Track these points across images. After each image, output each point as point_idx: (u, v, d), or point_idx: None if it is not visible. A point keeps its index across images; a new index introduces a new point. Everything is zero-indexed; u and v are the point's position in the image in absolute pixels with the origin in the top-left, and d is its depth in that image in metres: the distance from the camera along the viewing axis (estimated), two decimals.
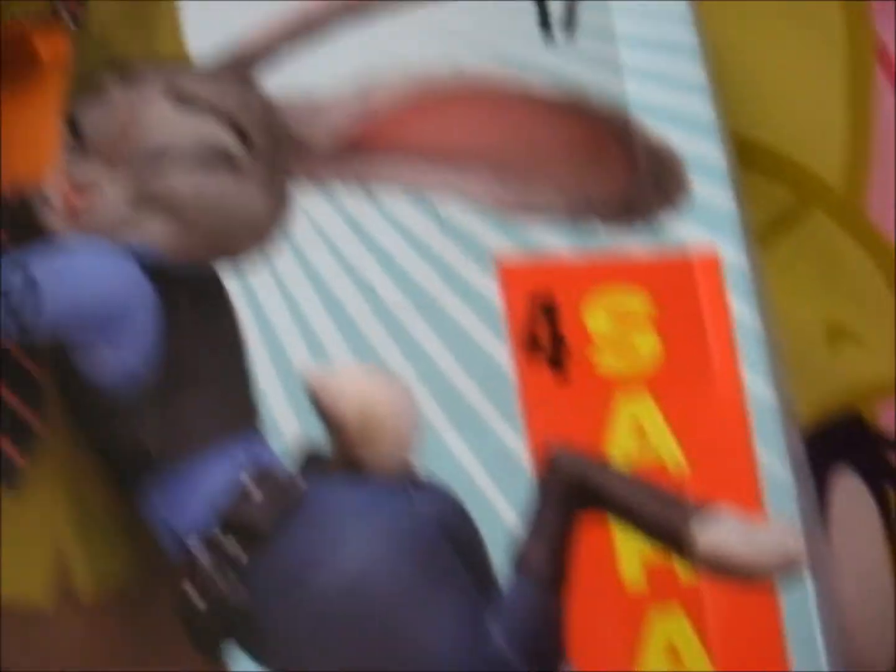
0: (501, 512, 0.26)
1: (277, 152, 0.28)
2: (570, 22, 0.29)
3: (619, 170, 0.28)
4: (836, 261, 0.31)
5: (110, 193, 0.27)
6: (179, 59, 0.28)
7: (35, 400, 0.28)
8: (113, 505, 0.27)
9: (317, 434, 0.26)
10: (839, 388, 0.30)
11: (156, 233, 0.27)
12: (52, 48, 0.29)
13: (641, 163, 0.28)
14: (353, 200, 0.28)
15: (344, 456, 0.26)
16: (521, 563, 0.26)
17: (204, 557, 0.25)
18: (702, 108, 0.28)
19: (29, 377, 0.28)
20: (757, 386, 0.26)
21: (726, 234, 0.27)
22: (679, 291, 0.27)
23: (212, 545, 0.25)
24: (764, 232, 0.31)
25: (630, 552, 0.26)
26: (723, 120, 0.30)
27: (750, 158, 0.32)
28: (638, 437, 0.26)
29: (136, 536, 0.27)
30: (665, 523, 0.25)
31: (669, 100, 0.28)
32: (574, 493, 0.26)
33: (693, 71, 0.29)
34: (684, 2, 0.29)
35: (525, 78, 0.28)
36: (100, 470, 0.27)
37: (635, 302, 0.27)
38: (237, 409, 0.27)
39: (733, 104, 0.32)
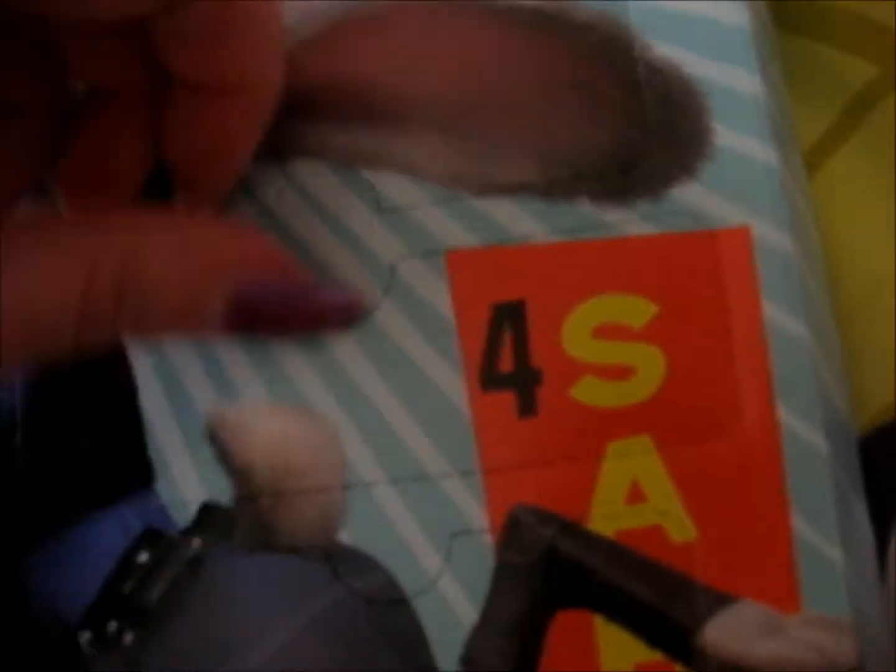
0: (448, 593, 0.20)
1: None
2: None
3: (615, 120, 0.20)
4: None
5: None
6: None
7: None
8: None
9: (223, 492, 0.21)
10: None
11: None
12: None
13: (647, 108, 0.20)
14: (267, 185, 0.21)
15: (252, 517, 0.21)
16: (471, 659, 0.20)
17: (85, 640, 0.21)
18: (737, 15, 0.21)
19: None
20: (797, 425, 0.19)
21: (766, 210, 0.20)
22: (697, 296, 0.20)
23: (94, 625, 0.21)
24: (838, 116, 0.24)
25: (616, 652, 0.19)
26: (767, 37, 0.22)
27: (822, 27, 0.24)
28: (632, 495, 0.20)
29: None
30: (665, 619, 0.19)
31: (691, 6, 0.21)
32: (542, 571, 0.20)
33: None
34: None
35: None
36: None
37: (634, 311, 0.20)
38: (129, 463, 0.21)
39: None
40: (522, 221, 0.21)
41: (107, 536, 0.21)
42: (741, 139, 0.20)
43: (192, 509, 0.21)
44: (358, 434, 0.21)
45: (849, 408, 0.22)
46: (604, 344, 0.20)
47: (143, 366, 0.22)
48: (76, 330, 0.16)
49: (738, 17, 0.21)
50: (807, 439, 0.19)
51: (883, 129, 0.24)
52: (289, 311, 0.18)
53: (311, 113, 0.22)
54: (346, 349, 0.21)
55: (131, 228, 0.17)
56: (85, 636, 0.21)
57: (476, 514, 0.20)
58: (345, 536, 0.20)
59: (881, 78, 0.24)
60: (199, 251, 0.17)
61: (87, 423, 0.22)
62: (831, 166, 0.24)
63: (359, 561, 0.20)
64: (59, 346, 0.17)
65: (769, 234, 0.20)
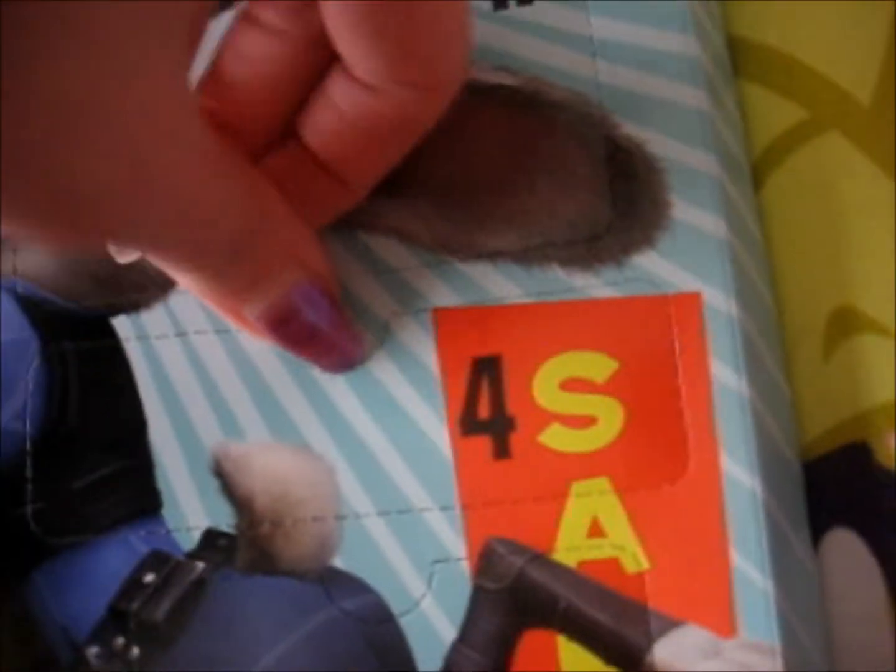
0: (431, 616, 0.22)
1: None
2: None
3: (583, 193, 0.23)
4: (847, 186, 0.25)
5: None
6: None
7: None
8: None
9: (225, 520, 0.23)
10: (843, 405, 0.24)
11: (32, 262, 0.24)
12: None
13: (613, 183, 0.23)
14: None
15: (253, 543, 0.23)
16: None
17: (93, 654, 0.23)
18: (695, 99, 0.23)
19: None
20: (737, 472, 0.22)
21: (716, 278, 0.22)
22: (652, 354, 0.22)
23: (102, 640, 0.23)
24: (765, 151, 0.26)
25: (577, 667, 0.22)
26: (726, 117, 0.24)
27: (758, 67, 0.26)
28: (592, 530, 0.22)
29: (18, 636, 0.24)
30: (619, 639, 0.22)
31: (653, 88, 0.23)
32: (512, 595, 0.22)
33: (685, 43, 0.23)
34: None
35: (470, 69, 0.23)
36: None
37: (597, 367, 0.23)
38: (137, 490, 0.24)
39: None
40: (501, 284, 0.23)
41: (114, 559, 0.23)
42: (695, 213, 0.23)
43: (197, 535, 0.23)
44: (351, 470, 0.23)
45: (793, 448, 0.24)
46: (569, 395, 0.23)
47: (152, 401, 0.24)
48: None
49: (697, 102, 0.23)
50: (745, 485, 0.22)
51: (804, 171, 0.26)
52: (320, 328, 0.20)
53: None
54: (342, 394, 0.23)
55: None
56: (93, 650, 0.23)
57: (455, 544, 0.22)
58: (338, 562, 0.23)
59: (808, 122, 0.26)
60: (281, 230, 0.20)
61: (96, 454, 0.24)
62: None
63: (351, 584, 0.23)
64: None
65: (717, 300, 0.22)
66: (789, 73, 0.26)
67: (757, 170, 0.26)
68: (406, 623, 0.22)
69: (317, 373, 0.23)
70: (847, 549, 0.24)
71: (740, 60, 0.27)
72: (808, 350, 0.25)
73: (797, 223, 0.25)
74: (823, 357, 0.25)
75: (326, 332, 0.21)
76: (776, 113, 0.26)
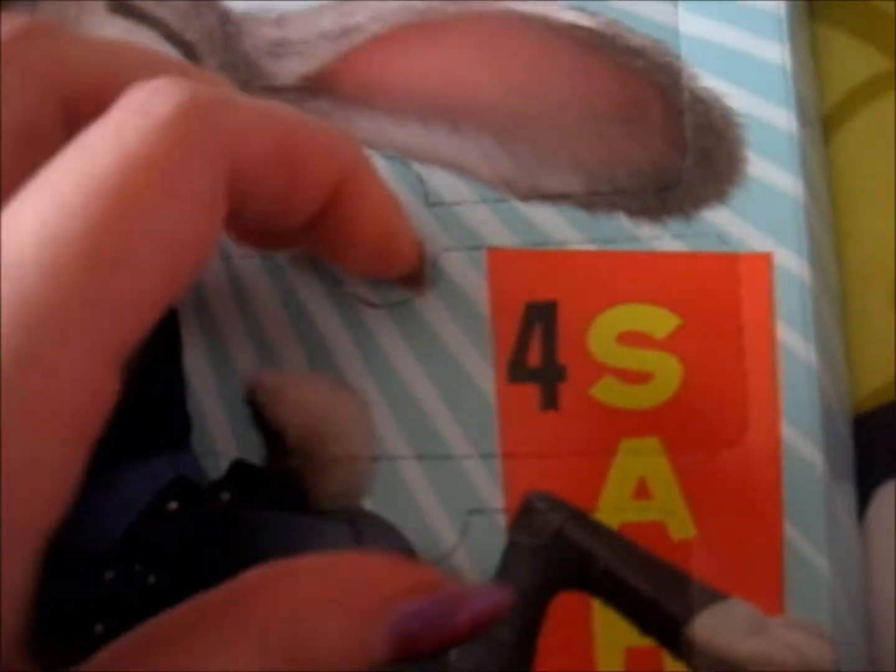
0: (462, 567, 0.21)
1: (231, 77, 0.23)
2: None
3: (656, 142, 0.22)
4: None
5: None
6: None
7: None
8: None
9: (255, 451, 0.22)
10: None
11: None
12: None
13: (688, 134, 0.22)
14: None
15: (281, 477, 0.22)
16: None
17: (109, 578, 0.22)
18: (779, 56, 0.22)
19: None
20: (799, 442, 0.21)
21: (789, 239, 0.21)
22: (717, 313, 0.21)
23: (119, 564, 0.22)
24: (843, 99, 0.24)
25: (610, 635, 0.21)
26: (807, 78, 0.23)
27: (839, 13, 0.25)
28: (639, 491, 0.21)
29: None
30: (659, 609, 0.21)
31: (735, 41, 0.22)
32: (549, 554, 0.21)
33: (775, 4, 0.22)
34: None
35: (546, 5, 0.22)
36: None
37: (658, 322, 0.21)
38: (166, 413, 0.23)
39: None
40: (562, 228, 0.22)
41: (138, 483, 0.22)
42: (772, 171, 0.22)
43: (224, 464, 0.22)
44: (389, 410, 0.22)
45: (847, 422, 0.23)
46: (626, 349, 0.21)
47: (188, 323, 0.23)
48: None
49: (780, 57, 0.22)
50: (806, 457, 0.20)
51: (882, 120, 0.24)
52: (447, 629, 0.18)
53: (371, 106, 0.23)
54: (385, 330, 0.22)
55: (286, 587, 0.17)
56: (109, 574, 0.22)
57: (493, 495, 0.21)
58: (369, 504, 0.22)
59: (891, 72, 0.24)
60: (356, 597, 0.17)
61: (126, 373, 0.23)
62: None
63: (380, 527, 0.22)
64: None
65: (789, 262, 0.21)
66: (872, 20, 0.25)
67: (832, 117, 0.25)
68: None
69: (361, 308, 0.22)
70: None
71: (820, 4, 0.25)
72: (873, 302, 0.23)
73: (870, 172, 0.24)
74: (888, 306, 0.23)
75: (459, 621, 0.18)
76: (857, 60, 0.25)
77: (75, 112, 0.17)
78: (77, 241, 0.14)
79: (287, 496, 0.22)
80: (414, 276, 0.22)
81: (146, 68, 0.18)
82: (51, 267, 0.14)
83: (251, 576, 0.17)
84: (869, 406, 0.23)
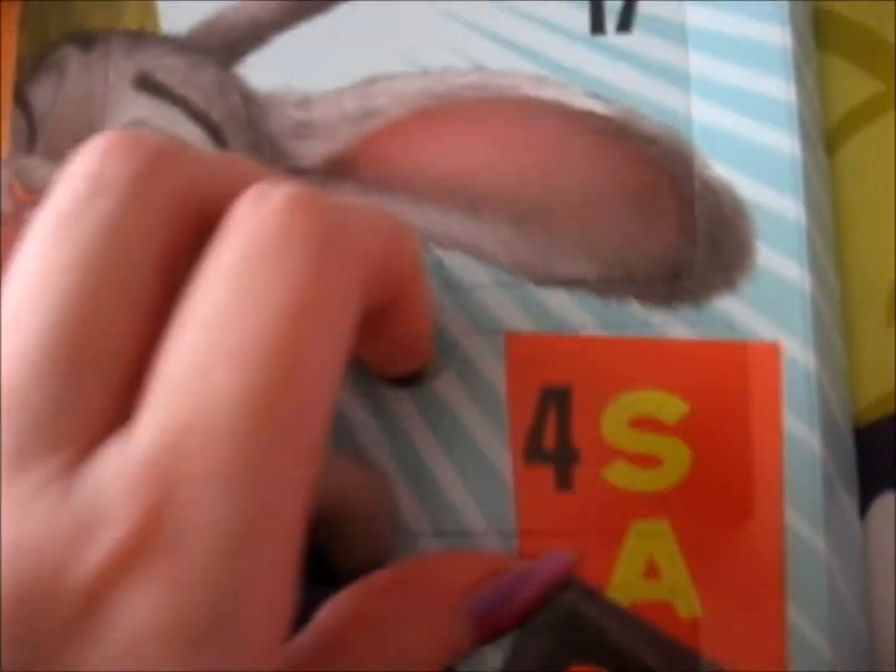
0: None
1: (256, 158, 0.24)
2: (628, 16, 0.24)
3: (668, 229, 0.23)
4: None
5: None
6: (150, 36, 0.24)
7: None
8: None
9: None
10: None
11: None
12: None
13: (699, 222, 0.23)
14: None
15: (306, 550, 0.23)
16: None
17: None
18: (789, 146, 0.23)
19: None
20: (801, 528, 0.22)
21: (797, 329, 0.22)
22: (725, 400, 0.22)
23: None
24: (839, 121, 0.25)
25: None
26: (819, 161, 0.24)
27: (836, 39, 0.26)
28: (648, 570, 0.22)
29: None
30: None
31: (746, 130, 0.23)
32: (563, 629, 0.22)
33: (783, 89, 0.23)
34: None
35: (562, 92, 0.23)
36: None
37: (668, 408, 0.22)
38: None
39: None
40: (576, 313, 0.23)
41: None
42: (780, 261, 0.23)
43: None
44: (410, 488, 0.23)
45: (853, 502, 0.24)
46: (638, 434, 0.22)
47: None
48: None
49: (791, 149, 0.23)
50: (808, 541, 0.21)
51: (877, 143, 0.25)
52: (520, 603, 0.20)
53: (392, 189, 0.24)
54: (406, 412, 0.23)
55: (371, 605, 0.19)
56: None
57: None
58: None
59: (884, 94, 0.25)
60: (437, 597, 0.20)
61: None
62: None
63: None
64: None
65: (796, 352, 0.22)
66: (867, 45, 0.25)
67: (829, 139, 0.26)
68: None
69: (381, 387, 0.23)
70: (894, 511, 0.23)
71: (820, 30, 0.26)
72: (870, 317, 0.24)
73: (866, 193, 0.25)
74: (886, 324, 0.24)
75: (530, 592, 0.21)
76: (852, 84, 0.25)
77: (203, 223, 0.17)
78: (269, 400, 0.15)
79: (321, 572, 0.23)
80: (420, 372, 0.23)
81: (251, 173, 0.18)
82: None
83: (338, 609, 0.19)
84: (868, 418, 0.24)
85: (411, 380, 0.23)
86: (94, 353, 0.15)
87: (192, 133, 0.24)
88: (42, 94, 0.25)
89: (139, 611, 0.14)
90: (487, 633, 0.20)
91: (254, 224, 0.16)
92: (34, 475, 0.14)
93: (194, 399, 0.14)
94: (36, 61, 0.25)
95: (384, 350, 0.21)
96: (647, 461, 0.22)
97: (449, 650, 0.20)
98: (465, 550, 0.22)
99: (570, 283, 0.23)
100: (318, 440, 0.16)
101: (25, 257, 0.16)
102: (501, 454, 0.23)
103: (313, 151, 0.24)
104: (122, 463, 0.14)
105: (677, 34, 0.24)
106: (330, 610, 0.20)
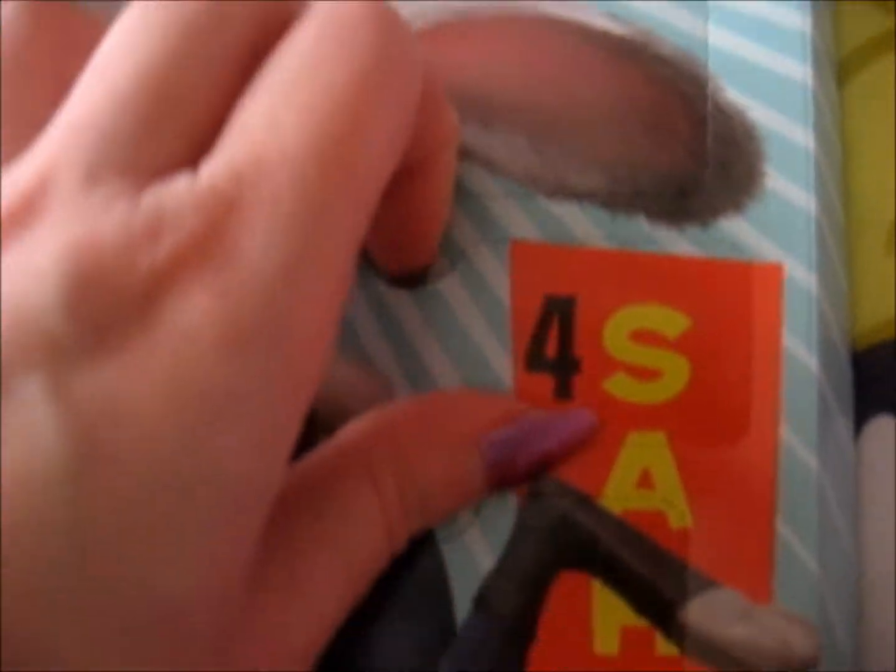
0: (473, 542, 0.23)
1: None
2: None
3: (679, 149, 0.23)
4: None
5: None
6: None
7: None
8: None
9: None
10: None
11: None
12: None
13: (709, 144, 0.23)
14: None
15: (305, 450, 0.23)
16: (484, 600, 0.22)
17: None
18: (802, 75, 0.23)
19: None
20: (795, 447, 0.22)
21: (801, 252, 0.22)
22: (727, 317, 0.23)
23: None
24: (849, 55, 0.25)
25: (607, 614, 0.22)
26: (831, 100, 0.24)
27: None
28: (642, 481, 0.22)
29: None
30: (655, 592, 0.22)
31: (761, 57, 0.23)
32: (555, 535, 0.22)
33: (798, 19, 0.23)
34: None
35: (580, 12, 0.23)
36: None
37: (670, 323, 0.23)
38: None
39: None
40: (584, 225, 0.23)
41: None
42: (787, 185, 0.23)
43: None
44: (411, 391, 0.23)
45: (848, 424, 0.24)
46: (638, 347, 0.23)
47: None
48: (389, 546, 0.20)
49: (804, 78, 0.23)
50: (801, 459, 0.22)
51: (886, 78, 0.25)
52: (538, 453, 0.21)
53: None
54: (409, 314, 0.23)
55: (388, 431, 0.20)
56: None
57: None
58: None
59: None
60: (451, 429, 0.20)
61: None
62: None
63: None
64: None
65: (799, 274, 0.22)
66: None
67: (840, 71, 0.26)
68: (447, 549, 0.22)
69: (385, 291, 0.23)
70: (888, 434, 0.23)
71: None
72: (872, 246, 0.24)
73: (873, 126, 0.25)
74: (886, 252, 0.24)
75: (550, 441, 0.22)
76: (865, 19, 0.25)
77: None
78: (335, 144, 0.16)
79: None
80: (423, 270, 0.23)
81: None
82: (322, 165, 0.16)
83: (359, 427, 0.20)
84: (866, 343, 0.24)
85: (415, 279, 0.23)
86: (177, 98, 0.16)
87: None
88: None
89: (191, 310, 0.15)
90: (502, 478, 0.20)
91: (331, 10, 0.17)
92: (105, 188, 0.15)
93: (264, 140, 0.16)
94: None
95: (396, 228, 0.21)
96: (647, 374, 0.23)
97: (462, 487, 0.20)
98: (487, 392, 0.22)
99: (580, 196, 0.23)
100: (371, 204, 0.17)
101: (130, 11, 0.17)
102: (503, 361, 0.23)
103: None
104: (190, 183, 0.15)
105: None
106: (351, 427, 0.20)
